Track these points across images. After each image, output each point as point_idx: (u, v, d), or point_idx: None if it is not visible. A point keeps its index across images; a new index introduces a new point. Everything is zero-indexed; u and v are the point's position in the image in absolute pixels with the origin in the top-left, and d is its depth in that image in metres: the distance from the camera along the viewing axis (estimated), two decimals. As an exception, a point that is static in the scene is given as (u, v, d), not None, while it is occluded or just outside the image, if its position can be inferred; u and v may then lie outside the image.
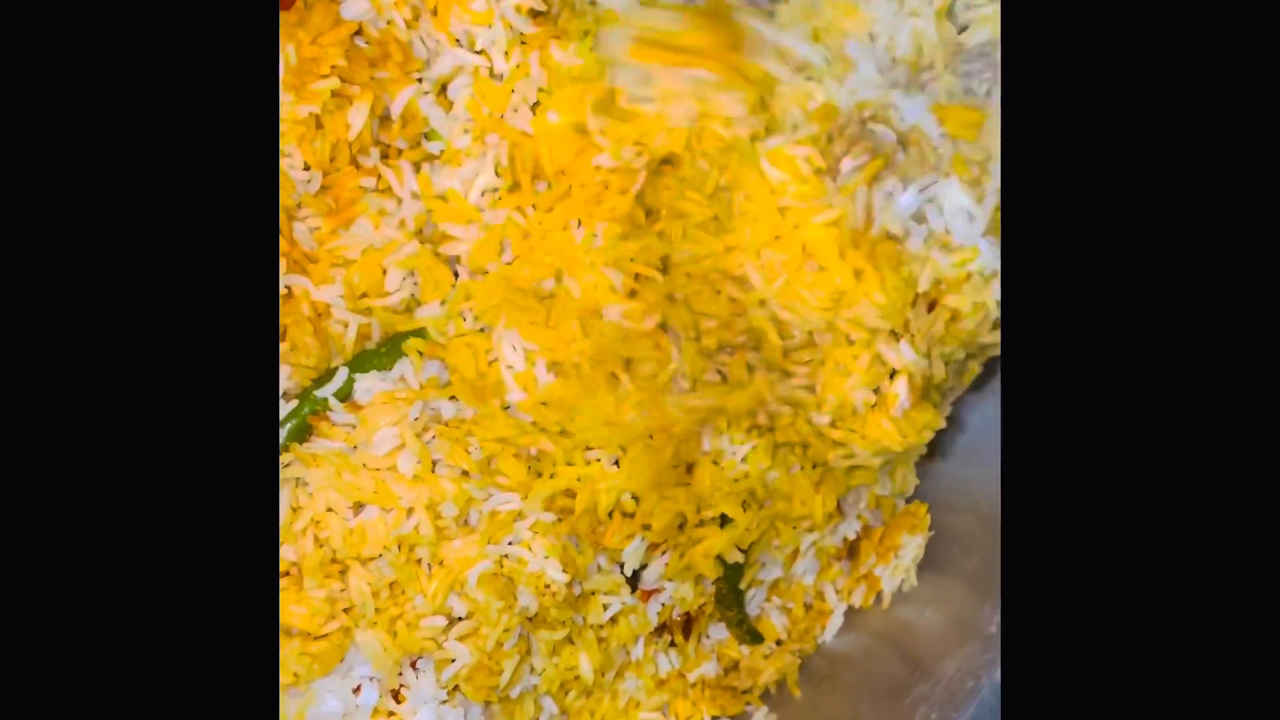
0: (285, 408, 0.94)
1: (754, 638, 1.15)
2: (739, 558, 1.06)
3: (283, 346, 0.93)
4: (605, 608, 1.02)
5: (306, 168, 0.94)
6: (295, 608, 0.92)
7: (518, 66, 0.97)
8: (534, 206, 0.98)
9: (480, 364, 0.95)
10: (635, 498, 0.98)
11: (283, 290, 0.94)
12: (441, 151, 0.99)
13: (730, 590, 1.10)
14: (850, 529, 1.19)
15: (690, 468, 1.01)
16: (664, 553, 1.05)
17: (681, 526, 1.03)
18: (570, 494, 0.97)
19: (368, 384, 0.94)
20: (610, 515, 0.99)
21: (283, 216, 0.93)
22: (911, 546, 1.23)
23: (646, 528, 1.00)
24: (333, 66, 0.92)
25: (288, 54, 0.90)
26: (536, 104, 0.98)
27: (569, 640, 1.02)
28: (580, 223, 0.96)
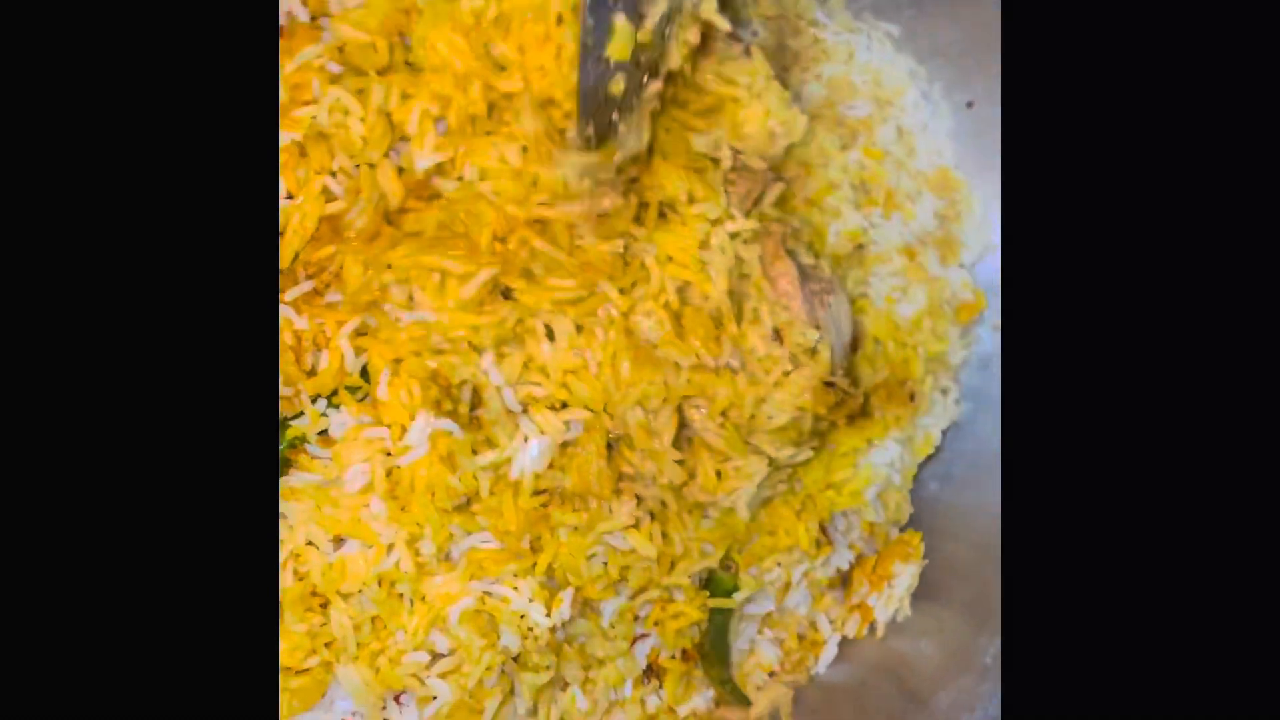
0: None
1: (738, 699, 1.13)
2: (731, 604, 1.05)
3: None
4: (598, 661, 1.00)
5: (290, 196, 0.92)
6: (275, 643, 0.90)
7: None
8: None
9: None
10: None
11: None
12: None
13: (714, 647, 1.09)
14: (843, 559, 1.17)
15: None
16: (646, 604, 1.03)
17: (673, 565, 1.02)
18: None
19: (341, 418, 0.92)
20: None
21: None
22: (905, 575, 1.21)
23: (624, 580, 0.99)
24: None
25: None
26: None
27: (553, 685, 1.00)
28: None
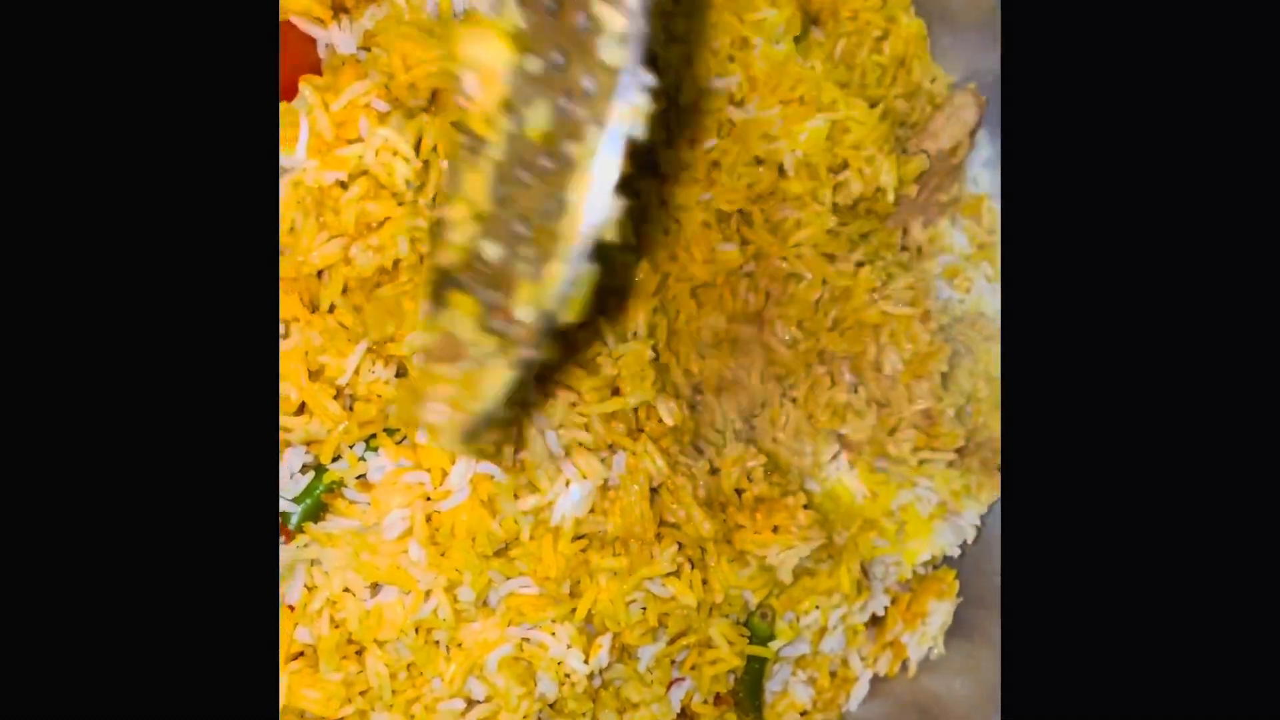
0: (302, 482, 0.91)
1: None
2: (768, 653, 1.03)
3: (300, 419, 0.90)
4: (633, 705, 0.98)
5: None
6: (309, 691, 0.89)
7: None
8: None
9: None
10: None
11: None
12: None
13: (749, 695, 1.07)
14: (878, 605, 1.15)
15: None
16: (684, 649, 1.01)
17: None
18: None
19: (380, 462, 0.91)
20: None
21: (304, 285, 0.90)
22: (940, 613, 1.19)
23: (662, 625, 0.97)
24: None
25: (316, 119, 0.87)
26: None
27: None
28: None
